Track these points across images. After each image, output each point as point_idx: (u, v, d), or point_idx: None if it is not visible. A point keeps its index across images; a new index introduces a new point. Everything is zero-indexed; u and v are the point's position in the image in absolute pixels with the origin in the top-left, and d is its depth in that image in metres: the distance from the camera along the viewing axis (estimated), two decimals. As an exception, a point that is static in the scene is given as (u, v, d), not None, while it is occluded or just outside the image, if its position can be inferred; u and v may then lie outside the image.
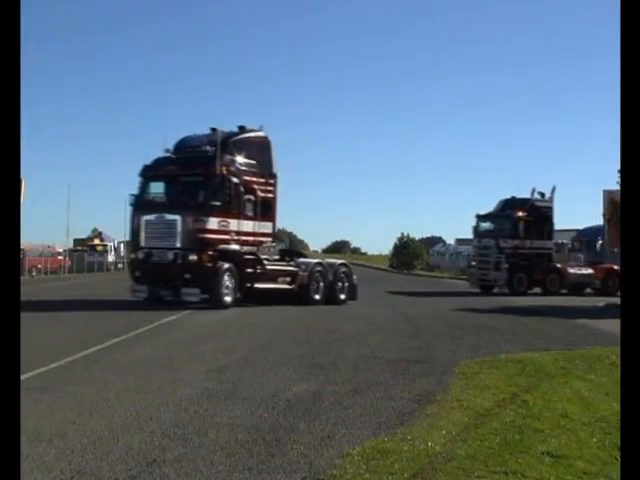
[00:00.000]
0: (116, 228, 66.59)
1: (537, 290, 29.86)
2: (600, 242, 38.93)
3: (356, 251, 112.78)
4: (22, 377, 7.15)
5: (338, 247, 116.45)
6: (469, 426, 6.34)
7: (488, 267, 30.20)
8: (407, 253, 64.14)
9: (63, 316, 16.19)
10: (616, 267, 30.23)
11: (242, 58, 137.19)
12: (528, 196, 31.21)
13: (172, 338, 12.63)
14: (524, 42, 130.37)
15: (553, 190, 31.44)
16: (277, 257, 21.03)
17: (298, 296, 20.32)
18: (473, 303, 22.64)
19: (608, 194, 28.41)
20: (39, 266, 44.50)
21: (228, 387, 7.98)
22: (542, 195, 31.10)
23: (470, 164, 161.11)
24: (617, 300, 19.26)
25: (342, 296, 21.65)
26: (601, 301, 23.33)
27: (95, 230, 62.63)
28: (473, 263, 31.93)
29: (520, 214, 30.04)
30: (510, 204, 30.91)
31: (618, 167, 18.50)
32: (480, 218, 31.87)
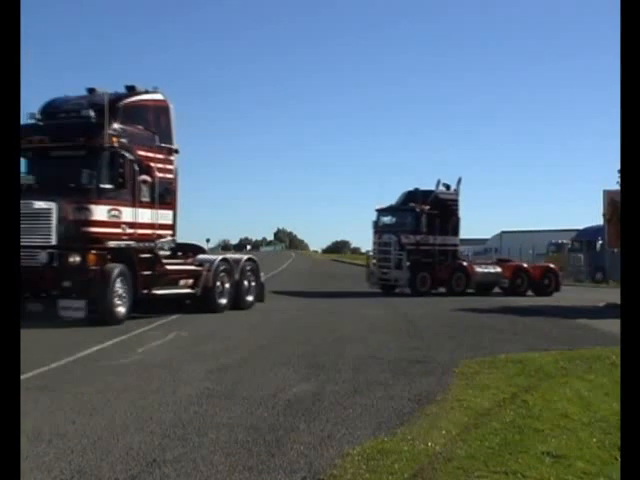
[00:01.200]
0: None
1: (442, 290, 27.27)
2: (600, 242, 39.00)
3: (356, 251, 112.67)
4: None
5: (338, 247, 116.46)
6: (469, 426, 6.34)
7: (389, 265, 27.17)
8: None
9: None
10: (525, 265, 29.36)
11: (240, 56, 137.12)
12: (432, 188, 28.31)
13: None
14: (524, 41, 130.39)
15: (459, 182, 28.67)
16: (173, 254, 17.06)
17: (201, 301, 16.84)
18: (473, 303, 22.61)
19: (608, 194, 28.40)
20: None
21: (229, 387, 7.99)
22: (447, 187, 28.53)
23: (470, 164, 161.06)
24: (610, 300, 19.30)
25: (249, 298, 18.65)
26: (601, 301, 23.27)
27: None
28: (373, 261, 28.44)
29: (423, 207, 27.21)
30: (413, 196, 27.88)
31: (618, 167, 18.49)
32: (380, 212, 28.75)
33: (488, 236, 67.74)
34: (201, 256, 17.81)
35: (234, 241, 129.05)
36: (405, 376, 8.86)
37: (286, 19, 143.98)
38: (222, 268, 17.41)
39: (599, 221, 36.91)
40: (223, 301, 17.38)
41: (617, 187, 19.69)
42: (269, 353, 10.80)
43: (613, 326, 12.58)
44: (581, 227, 45.25)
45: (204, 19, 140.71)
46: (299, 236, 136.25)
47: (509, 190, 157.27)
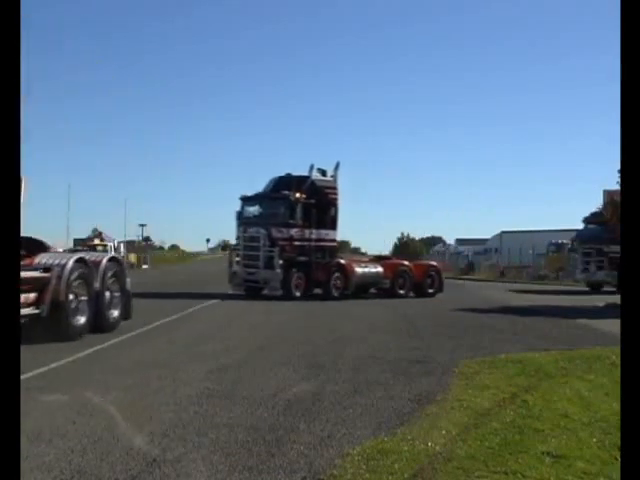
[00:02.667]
0: (116, 228, 66.77)
1: (318, 292, 23.91)
2: (600, 242, 39.02)
3: (356, 251, 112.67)
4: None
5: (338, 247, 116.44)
6: (469, 426, 6.34)
7: (256, 264, 23.32)
8: (407, 253, 64.10)
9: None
10: (406, 262, 26.76)
11: (239, 56, 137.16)
12: (306, 173, 24.57)
13: None
14: (524, 41, 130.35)
15: (337, 167, 25.00)
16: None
17: (50, 324, 11.32)
18: (473, 303, 22.62)
19: (608, 194, 28.37)
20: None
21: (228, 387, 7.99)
22: (323, 173, 24.73)
23: (470, 164, 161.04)
24: (610, 300, 19.27)
25: (114, 313, 13.29)
26: (601, 301, 23.28)
27: (95, 230, 62.56)
28: (237, 259, 24.27)
29: (298, 195, 23.44)
30: (285, 183, 24.04)
31: (618, 167, 18.49)
32: (246, 201, 24.80)
33: (488, 236, 67.85)
34: (43, 256, 12.08)
35: (234, 241, 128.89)
36: (405, 376, 8.86)
37: (285, 19, 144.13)
38: (77, 274, 12.05)
39: (599, 221, 37.10)
40: (80, 321, 12.09)
41: (617, 187, 19.67)
42: (269, 353, 10.79)
43: (613, 326, 12.59)
44: (581, 227, 45.22)
45: (204, 19, 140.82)
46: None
47: (509, 190, 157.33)
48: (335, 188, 24.72)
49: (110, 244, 59.19)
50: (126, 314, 13.87)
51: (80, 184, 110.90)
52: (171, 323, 15.07)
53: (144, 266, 64.88)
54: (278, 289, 22.99)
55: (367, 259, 28.87)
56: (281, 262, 22.89)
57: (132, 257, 67.48)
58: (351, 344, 12.06)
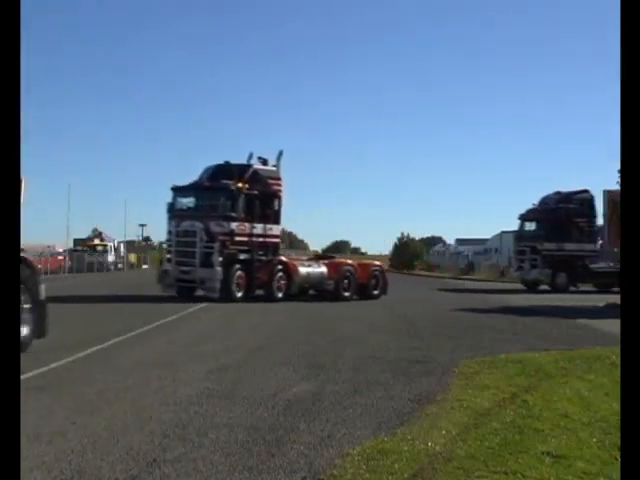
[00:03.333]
0: (116, 228, 66.73)
1: (259, 293, 21.91)
2: (600, 242, 38.94)
3: (356, 251, 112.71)
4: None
5: (338, 247, 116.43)
6: (469, 426, 6.34)
7: (192, 262, 20.92)
8: (407, 253, 64.12)
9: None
10: (350, 262, 24.97)
11: (240, 60, 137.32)
12: (247, 162, 22.58)
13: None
14: (524, 42, 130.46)
15: (279, 156, 22.81)
16: None
17: None
18: (473, 303, 22.62)
19: (608, 194, 28.35)
20: (39, 266, 44.31)
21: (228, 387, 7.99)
22: (264, 162, 22.55)
23: (470, 164, 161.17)
24: (611, 300, 19.27)
25: (22, 331, 8.59)
26: (601, 301, 23.28)
27: (95, 230, 62.63)
28: (167, 256, 22.00)
29: (240, 185, 21.07)
30: (222, 172, 21.71)
31: (618, 167, 18.49)
32: (179, 191, 22.31)
33: (488, 236, 67.82)
34: None
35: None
36: (405, 376, 8.86)
37: (283, 25, 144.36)
38: None
39: (599, 221, 36.87)
40: None
41: (617, 187, 19.67)
42: (269, 353, 10.79)
43: (613, 326, 12.59)
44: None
45: (206, 23, 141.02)
46: (299, 236, 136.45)
47: (509, 190, 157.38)
48: (279, 179, 22.71)
49: (110, 244, 59.23)
50: (40, 331, 10.24)
51: (80, 184, 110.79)
52: (171, 323, 15.07)
53: (144, 266, 64.87)
54: (216, 290, 20.48)
55: (306, 257, 26.49)
56: (221, 259, 20.51)
57: (132, 257, 67.50)
58: (351, 344, 12.06)
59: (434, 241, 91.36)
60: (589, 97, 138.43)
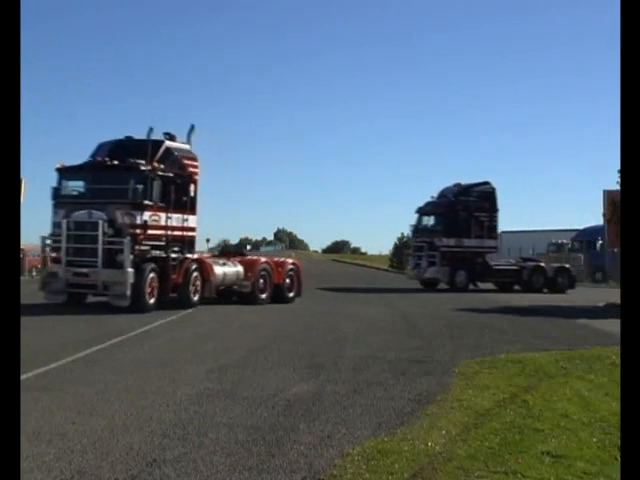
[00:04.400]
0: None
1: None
2: (600, 242, 38.99)
3: (356, 251, 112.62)
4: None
5: (338, 247, 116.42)
6: (469, 426, 6.34)
7: (92, 262, 16.62)
8: (407, 253, 63.92)
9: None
10: (264, 259, 21.39)
11: (240, 63, 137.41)
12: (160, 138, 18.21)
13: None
14: (524, 42, 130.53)
15: (191, 131, 18.91)
16: None
17: None
18: (473, 303, 22.61)
19: (608, 194, 28.35)
20: (39, 266, 44.35)
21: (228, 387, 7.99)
22: (171, 138, 18.41)
23: (470, 164, 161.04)
24: (611, 300, 19.26)
25: None
26: (601, 301, 23.26)
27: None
28: (54, 254, 17.58)
29: (156, 165, 17.15)
30: (124, 149, 17.60)
31: (618, 167, 18.49)
32: (68, 172, 17.96)
33: (488, 236, 67.66)
34: None
35: (234, 241, 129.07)
36: (405, 376, 8.86)
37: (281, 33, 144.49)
38: None
39: (599, 221, 36.84)
40: None
41: (617, 187, 19.67)
42: (269, 353, 10.79)
43: (613, 326, 12.59)
44: (581, 227, 45.27)
45: (207, 28, 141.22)
46: (299, 236, 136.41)
47: (509, 190, 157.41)
48: (195, 159, 18.98)
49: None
50: None
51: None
52: (171, 323, 15.06)
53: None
54: (126, 297, 16.19)
55: (212, 254, 21.60)
56: (131, 258, 16.34)
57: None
58: (351, 344, 12.05)
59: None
60: (589, 97, 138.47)
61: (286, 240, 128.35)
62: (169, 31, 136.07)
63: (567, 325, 16.33)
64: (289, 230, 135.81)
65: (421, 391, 7.92)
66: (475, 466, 5.15)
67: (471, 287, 29.71)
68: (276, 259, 22.09)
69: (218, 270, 19.02)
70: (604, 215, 29.49)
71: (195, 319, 15.98)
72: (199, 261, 18.70)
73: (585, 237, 43.03)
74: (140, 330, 13.30)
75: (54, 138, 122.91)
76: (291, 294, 21.34)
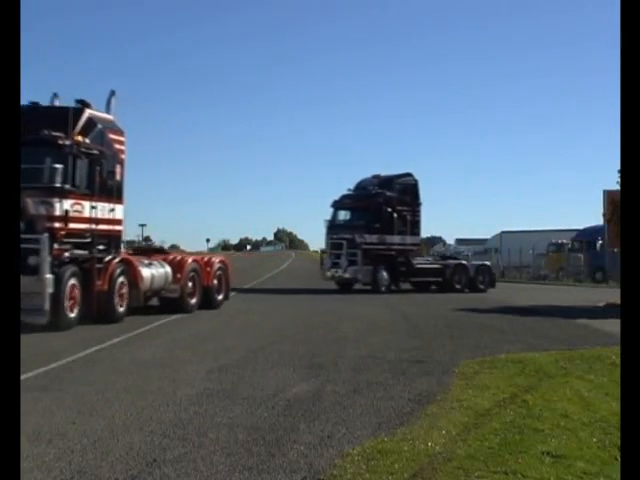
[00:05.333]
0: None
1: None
2: (600, 242, 38.97)
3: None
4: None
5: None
6: (469, 426, 6.34)
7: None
8: (323, 251, 63.62)
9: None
10: (193, 258, 18.04)
11: (244, 66, 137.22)
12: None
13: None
14: (524, 42, 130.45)
15: (111, 97, 15.28)
16: None
17: None
18: (472, 303, 22.60)
19: (608, 194, 28.34)
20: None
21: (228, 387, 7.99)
22: (86, 106, 14.51)
23: (470, 164, 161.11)
24: (611, 300, 19.22)
25: None
26: (601, 301, 23.26)
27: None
28: None
29: (79, 139, 13.77)
30: (34, 118, 13.37)
31: (618, 167, 18.48)
32: None
33: (488, 236, 67.74)
34: None
35: (234, 241, 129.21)
36: (405, 376, 8.86)
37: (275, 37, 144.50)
38: None
39: (599, 221, 36.84)
40: None
41: (617, 187, 19.67)
42: (269, 353, 10.79)
43: (613, 326, 12.58)
44: (581, 227, 45.28)
45: (208, 30, 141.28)
46: (299, 236, 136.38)
47: (509, 190, 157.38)
48: (122, 133, 15.55)
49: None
50: None
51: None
52: (171, 323, 15.06)
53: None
54: (44, 312, 12.35)
55: (126, 252, 16.81)
56: (49, 261, 12.63)
57: (132, 257, 67.24)
58: (351, 344, 12.05)
59: (434, 241, 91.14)
60: (589, 97, 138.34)
61: (286, 240, 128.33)
62: (169, 31, 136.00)
63: (567, 325, 16.32)
64: (289, 230, 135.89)
65: (421, 391, 7.92)
66: (475, 466, 5.15)
67: (393, 288, 27.34)
68: (203, 257, 18.94)
69: (146, 273, 15.47)
70: (604, 215, 29.48)
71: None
72: (126, 262, 14.92)
73: (585, 237, 43.01)
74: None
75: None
76: (220, 297, 18.56)
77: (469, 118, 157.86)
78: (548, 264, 45.12)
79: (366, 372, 9.12)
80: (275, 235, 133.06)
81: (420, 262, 29.02)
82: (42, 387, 7.78)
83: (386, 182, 28.10)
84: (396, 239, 27.56)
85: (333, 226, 28.14)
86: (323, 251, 29.57)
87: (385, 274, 26.92)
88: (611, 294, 24.03)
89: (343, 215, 28.53)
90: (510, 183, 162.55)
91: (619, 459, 5.23)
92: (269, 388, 7.94)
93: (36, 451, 5.41)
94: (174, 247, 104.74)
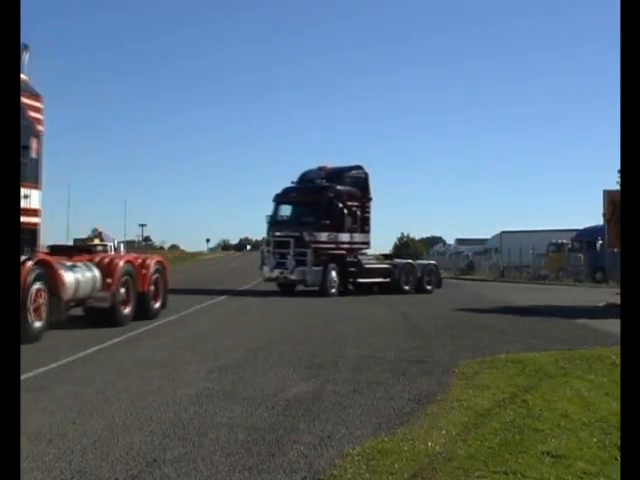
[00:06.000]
0: (116, 228, 66.61)
1: None
2: (600, 242, 38.98)
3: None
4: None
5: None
6: (469, 426, 6.34)
7: None
8: (407, 253, 63.97)
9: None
10: (127, 257, 15.01)
11: (242, 66, 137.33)
12: None
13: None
14: (523, 41, 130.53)
15: (23, 51, 11.18)
16: None
17: None
18: (472, 303, 22.61)
19: (608, 194, 28.35)
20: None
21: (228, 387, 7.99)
22: None
23: (470, 165, 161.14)
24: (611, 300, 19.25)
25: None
26: (601, 301, 23.27)
27: (95, 230, 62.56)
28: None
29: None
30: None
31: (618, 167, 18.48)
32: None
33: (488, 236, 67.76)
34: None
35: (234, 241, 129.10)
36: (405, 376, 8.86)
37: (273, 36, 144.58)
38: None
39: (599, 221, 36.84)
40: None
41: (617, 187, 19.68)
42: (269, 353, 10.79)
43: (613, 326, 12.59)
44: (581, 227, 45.28)
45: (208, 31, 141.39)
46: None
47: (509, 190, 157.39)
48: (39, 99, 12.40)
49: (110, 244, 59.09)
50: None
51: (80, 184, 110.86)
52: (171, 323, 15.06)
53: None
54: None
55: (43, 252, 13.25)
56: None
57: (132, 257, 67.21)
58: (351, 344, 12.05)
59: (434, 241, 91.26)
60: (589, 97, 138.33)
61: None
62: (168, 31, 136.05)
63: (567, 325, 16.33)
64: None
65: (421, 391, 7.92)
66: (475, 466, 5.15)
67: (342, 289, 24.90)
68: (137, 257, 15.70)
69: (69, 277, 12.63)
70: (604, 215, 29.48)
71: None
72: (44, 265, 11.94)
73: (585, 237, 43.02)
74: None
75: (55, 139, 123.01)
76: (157, 305, 15.67)
77: (469, 118, 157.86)
78: (548, 264, 45.13)
79: (366, 372, 9.12)
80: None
81: (369, 262, 26.73)
82: None
83: (335, 175, 25.89)
84: (346, 237, 25.49)
85: (276, 222, 25.49)
86: (263, 250, 26.25)
87: (335, 275, 24.58)
88: (611, 294, 24.04)
89: (288, 210, 25.87)
90: (510, 183, 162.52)
91: (619, 459, 5.23)
92: (269, 388, 7.94)
93: (36, 451, 5.41)
94: (174, 247, 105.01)
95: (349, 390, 7.92)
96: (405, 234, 66.34)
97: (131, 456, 5.33)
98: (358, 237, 26.06)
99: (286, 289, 25.54)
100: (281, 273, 24.59)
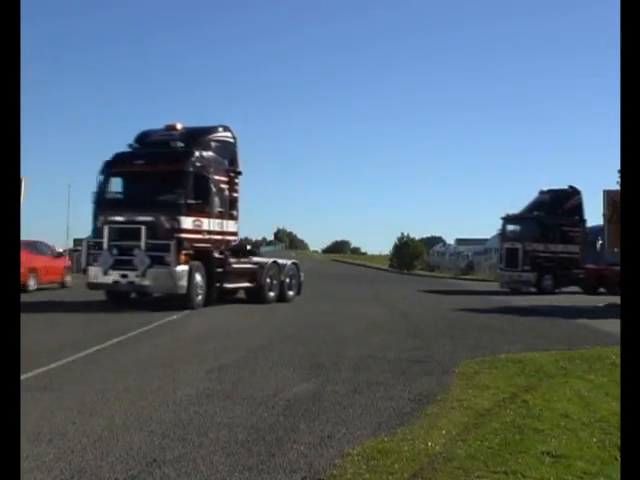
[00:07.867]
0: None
1: None
2: (600, 242, 38.93)
3: (356, 251, 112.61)
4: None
5: (338, 247, 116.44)
6: (469, 426, 6.34)
7: None
8: (407, 253, 63.93)
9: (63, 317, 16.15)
10: None
11: (244, 65, 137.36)
12: None
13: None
14: (524, 41, 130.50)
15: None
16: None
17: None
18: (473, 303, 22.60)
19: (608, 194, 28.31)
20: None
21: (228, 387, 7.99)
22: None
23: (470, 165, 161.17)
24: (613, 300, 19.22)
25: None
26: (601, 301, 23.26)
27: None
28: None
29: None
30: None
31: (618, 167, 18.49)
32: None
33: (488, 236, 67.76)
34: None
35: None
36: (405, 376, 8.85)
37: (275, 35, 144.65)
38: None
39: (599, 221, 36.77)
40: None
41: (617, 187, 19.68)
42: (269, 353, 10.79)
43: (613, 326, 12.59)
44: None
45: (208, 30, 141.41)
46: (299, 236, 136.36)
47: (509, 190, 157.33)
48: None
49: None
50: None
51: (80, 184, 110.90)
52: (171, 323, 15.06)
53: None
54: None
55: None
56: None
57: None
58: (351, 344, 12.05)
59: (434, 241, 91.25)
60: (589, 97, 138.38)
61: (286, 240, 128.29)
62: (168, 31, 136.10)
63: (567, 325, 16.33)
64: (289, 230, 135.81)
65: (421, 391, 7.92)
66: (475, 466, 5.15)
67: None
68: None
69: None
70: (604, 215, 29.46)
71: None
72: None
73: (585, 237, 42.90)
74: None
75: (55, 139, 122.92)
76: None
77: (469, 118, 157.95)
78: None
79: (366, 372, 9.12)
80: (275, 235, 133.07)
81: (237, 261, 19.63)
82: None
83: (195, 136, 18.66)
84: (216, 225, 18.51)
85: (110, 202, 18.01)
86: (91, 243, 18.31)
87: (200, 278, 17.80)
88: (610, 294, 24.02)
89: (127, 185, 18.44)
90: (510, 183, 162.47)
91: (619, 459, 5.22)
92: (269, 388, 7.94)
93: (36, 451, 5.41)
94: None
95: (349, 390, 7.92)
96: (405, 234, 66.26)
97: (131, 456, 5.33)
98: (227, 225, 19.14)
99: (118, 300, 18.28)
100: (123, 276, 17.37)
